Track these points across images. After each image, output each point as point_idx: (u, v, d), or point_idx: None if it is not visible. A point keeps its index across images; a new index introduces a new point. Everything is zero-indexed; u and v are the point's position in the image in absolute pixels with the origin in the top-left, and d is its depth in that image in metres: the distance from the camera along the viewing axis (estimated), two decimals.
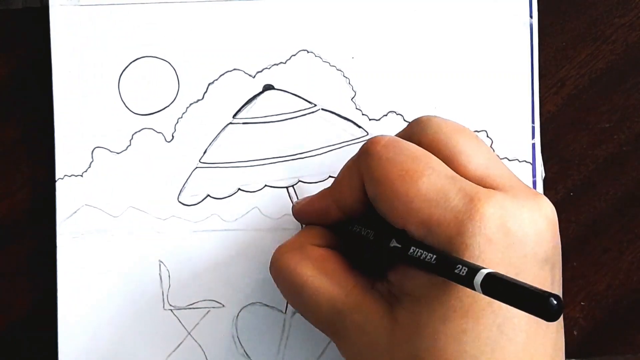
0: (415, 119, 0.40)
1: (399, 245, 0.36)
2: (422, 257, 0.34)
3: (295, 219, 0.45)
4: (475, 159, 0.37)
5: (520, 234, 0.34)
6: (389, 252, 0.37)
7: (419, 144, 0.37)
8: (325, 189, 0.43)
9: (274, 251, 0.42)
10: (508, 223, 0.34)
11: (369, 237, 0.39)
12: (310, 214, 0.43)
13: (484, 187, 0.35)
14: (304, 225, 0.46)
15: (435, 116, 0.39)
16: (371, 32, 0.48)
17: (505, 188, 0.36)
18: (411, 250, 0.35)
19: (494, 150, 0.47)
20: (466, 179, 0.36)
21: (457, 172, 0.36)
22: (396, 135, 0.40)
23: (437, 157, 0.36)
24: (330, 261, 0.40)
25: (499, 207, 0.34)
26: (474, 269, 0.31)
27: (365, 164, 0.37)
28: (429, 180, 0.35)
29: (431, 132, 0.38)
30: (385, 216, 0.37)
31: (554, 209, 0.36)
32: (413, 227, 0.35)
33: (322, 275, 0.39)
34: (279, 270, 0.41)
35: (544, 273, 0.35)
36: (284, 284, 0.41)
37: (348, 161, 0.41)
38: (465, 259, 0.33)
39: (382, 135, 0.38)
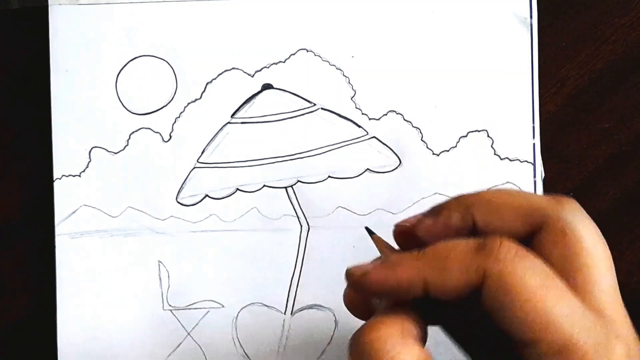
0: (559, 203, 0.35)
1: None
2: None
3: (353, 284, 0.36)
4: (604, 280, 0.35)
5: None
6: None
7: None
8: (409, 258, 0.35)
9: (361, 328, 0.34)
10: None
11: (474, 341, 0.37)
12: (387, 284, 0.34)
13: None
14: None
15: (580, 213, 0.35)
16: (371, 31, 0.48)
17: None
18: None
19: (494, 151, 0.47)
20: (592, 300, 0.34)
21: (583, 289, 0.34)
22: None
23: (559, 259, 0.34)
24: None
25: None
26: None
27: (496, 269, 0.33)
28: (570, 300, 0.32)
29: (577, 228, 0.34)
30: (509, 325, 0.33)
31: None
32: (545, 343, 0.33)
33: None
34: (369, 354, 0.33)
35: None
36: None
37: (460, 244, 0.34)
38: None
39: (508, 240, 0.33)
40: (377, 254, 0.47)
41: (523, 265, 0.32)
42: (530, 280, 0.32)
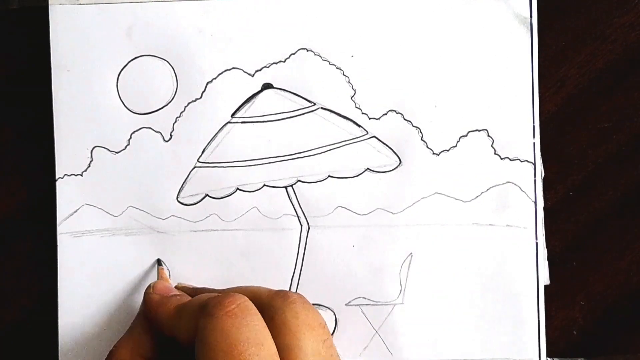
0: (283, 293, 0.41)
1: None
2: None
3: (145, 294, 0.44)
4: None
5: None
6: None
7: (269, 320, 0.39)
8: (167, 306, 0.42)
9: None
10: None
11: None
12: (150, 314, 0.43)
13: None
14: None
15: (300, 298, 0.40)
16: (371, 31, 0.48)
17: None
18: None
19: (495, 151, 0.47)
20: None
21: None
22: (256, 294, 0.41)
23: (277, 341, 0.38)
24: None
25: None
26: None
27: (203, 324, 0.38)
28: None
29: (286, 316, 0.39)
30: None
31: None
32: None
33: None
34: None
35: None
36: None
37: (193, 301, 0.41)
38: None
39: (233, 296, 0.39)
40: (377, 254, 0.48)
41: (226, 326, 0.37)
42: (226, 339, 0.37)
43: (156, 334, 0.43)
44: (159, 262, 0.47)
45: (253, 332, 0.37)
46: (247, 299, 0.39)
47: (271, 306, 0.39)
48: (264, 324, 0.38)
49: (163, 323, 0.42)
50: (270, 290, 0.42)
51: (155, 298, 0.43)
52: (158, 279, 0.47)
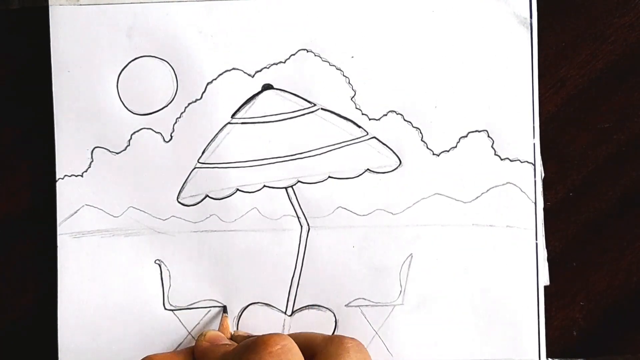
0: (338, 339, 0.41)
1: None
2: None
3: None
4: None
5: None
6: None
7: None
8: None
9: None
10: None
11: None
12: None
13: None
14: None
15: (354, 345, 0.41)
16: (371, 31, 0.48)
17: None
18: None
19: (495, 151, 0.47)
20: None
21: None
22: (310, 339, 0.42)
23: None
24: None
25: None
26: None
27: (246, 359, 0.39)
28: None
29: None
30: None
31: None
32: None
33: None
34: None
35: None
36: None
37: (231, 347, 0.42)
38: None
39: (279, 336, 0.39)
40: (377, 255, 0.48)
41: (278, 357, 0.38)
42: None
43: None
44: (224, 309, 0.48)
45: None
46: (292, 341, 0.39)
47: (325, 351, 0.40)
48: None
49: None
50: (325, 336, 0.42)
51: (204, 345, 0.44)
52: (219, 327, 0.47)
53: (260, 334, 0.46)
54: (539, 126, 0.47)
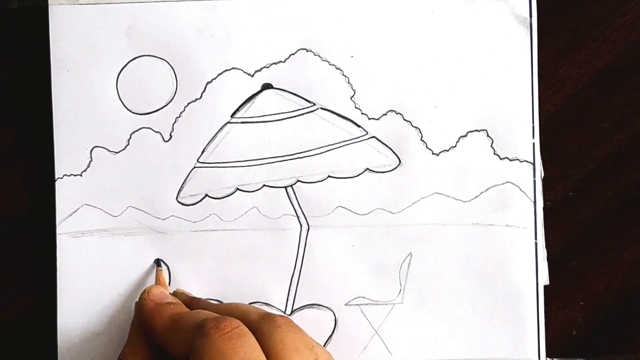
0: (270, 317, 0.41)
1: None
2: None
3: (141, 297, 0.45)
4: None
5: None
6: None
7: (261, 341, 0.40)
8: (164, 317, 0.43)
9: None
10: None
11: None
12: (144, 321, 0.44)
13: None
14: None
15: (286, 322, 0.41)
16: (371, 31, 0.48)
17: None
18: None
19: (494, 151, 0.47)
20: None
21: None
22: (246, 314, 0.42)
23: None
24: None
25: None
26: None
27: (199, 343, 0.39)
28: None
29: (273, 341, 0.40)
30: None
31: None
32: None
33: None
34: None
35: None
36: None
37: (190, 317, 0.42)
38: None
39: (230, 319, 0.40)
40: (376, 254, 0.48)
41: (220, 347, 0.38)
42: (225, 357, 0.38)
43: (150, 341, 0.43)
44: (157, 262, 0.47)
45: (248, 353, 0.38)
46: (243, 326, 0.40)
47: (258, 330, 0.40)
48: (258, 345, 0.39)
49: (156, 333, 0.42)
50: (258, 313, 0.42)
51: (149, 305, 0.44)
52: (156, 281, 0.47)
53: (198, 297, 0.47)
54: (538, 126, 0.47)
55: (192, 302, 0.45)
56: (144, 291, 0.45)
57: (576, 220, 0.48)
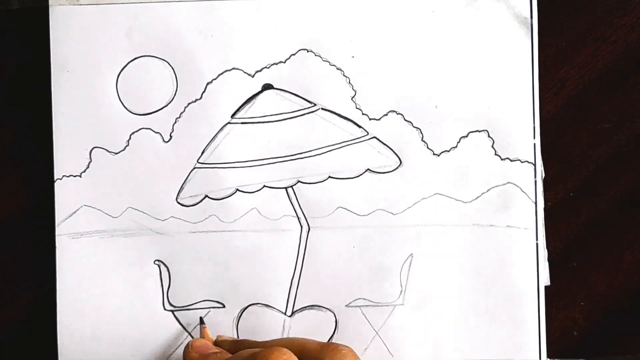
0: (334, 347, 0.41)
1: None
2: None
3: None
4: None
5: None
6: None
7: None
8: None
9: None
10: None
11: None
12: None
13: None
14: None
15: (350, 352, 0.41)
16: (371, 31, 0.48)
17: None
18: None
19: (495, 151, 0.47)
20: None
21: None
22: (304, 347, 0.42)
23: None
24: None
25: None
26: None
27: None
28: None
29: None
30: None
31: None
32: None
33: None
34: None
35: None
36: None
37: (243, 354, 0.42)
38: None
39: (279, 350, 0.39)
40: (377, 255, 0.48)
41: None
42: None
43: None
44: (201, 320, 0.47)
45: None
46: (291, 354, 0.39)
47: (320, 359, 0.40)
48: None
49: None
50: (319, 344, 0.42)
51: (194, 357, 0.44)
52: (200, 337, 0.47)
53: (242, 338, 0.47)
54: (539, 126, 0.47)
55: (236, 345, 0.45)
56: (187, 345, 0.44)
57: (577, 221, 0.48)
